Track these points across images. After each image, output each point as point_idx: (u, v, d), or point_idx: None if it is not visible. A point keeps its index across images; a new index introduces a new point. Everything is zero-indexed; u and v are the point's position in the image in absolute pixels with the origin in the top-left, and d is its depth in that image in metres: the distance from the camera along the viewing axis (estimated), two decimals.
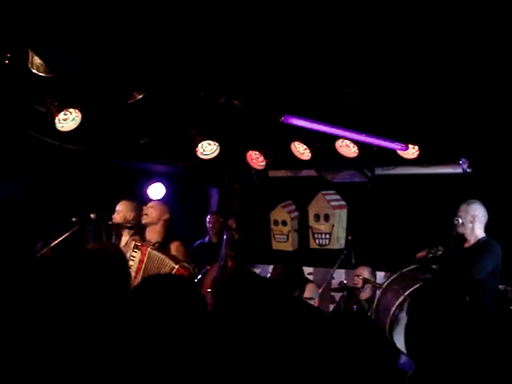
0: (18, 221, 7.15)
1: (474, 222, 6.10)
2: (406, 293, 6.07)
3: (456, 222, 6.13)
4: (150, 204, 6.63)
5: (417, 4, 4.15)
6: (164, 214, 6.53)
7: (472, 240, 6.15)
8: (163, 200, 7.99)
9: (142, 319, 2.49)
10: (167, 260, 6.12)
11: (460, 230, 6.14)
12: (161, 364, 2.43)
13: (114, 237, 6.66)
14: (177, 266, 6.04)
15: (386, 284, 6.48)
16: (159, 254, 6.16)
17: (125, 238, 6.68)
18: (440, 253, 6.20)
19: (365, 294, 7.51)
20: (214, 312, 3.26)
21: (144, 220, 6.47)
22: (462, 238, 6.19)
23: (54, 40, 4.71)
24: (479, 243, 6.10)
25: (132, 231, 6.66)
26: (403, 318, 5.98)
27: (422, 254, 6.41)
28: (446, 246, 6.16)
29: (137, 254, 6.17)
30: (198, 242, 8.48)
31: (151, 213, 6.47)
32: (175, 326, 2.48)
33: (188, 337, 2.49)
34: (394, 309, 6.13)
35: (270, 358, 2.89)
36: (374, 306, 6.56)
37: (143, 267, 6.15)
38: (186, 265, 6.17)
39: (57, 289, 2.77)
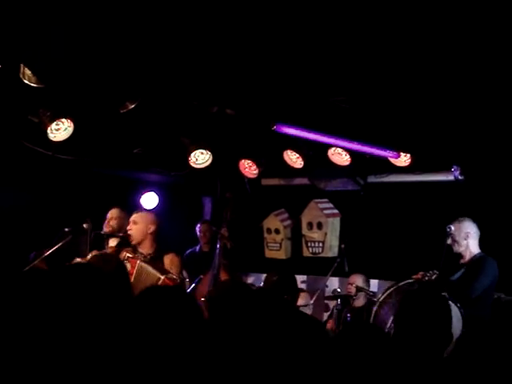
0: (12, 230, 7.13)
1: (468, 238, 6.14)
2: None
3: (448, 229, 6.16)
4: (132, 219, 6.23)
5: (406, 14, 4.17)
6: (148, 226, 6.17)
7: (467, 256, 6.16)
8: (155, 209, 7.99)
9: (139, 330, 2.50)
10: (154, 272, 5.89)
11: (455, 248, 6.17)
12: (157, 371, 2.43)
13: (107, 246, 6.63)
14: (163, 277, 5.82)
15: (382, 297, 6.53)
16: (148, 267, 5.92)
17: (111, 246, 6.61)
18: (435, 276, 6.22)
19: (359, 302, 7.51)
20: (209, 322, 3.26)
21: (131, 242, 6.16)
22: (458, 255, 6.21)
23: (44, 51, 4.71)
24: (474, 260, 6.11)
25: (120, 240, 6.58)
26: None
27: (416, 276, 6.41)
28: (439, 265, 6.18)
29: (127, 266, 5.79)
30: (189, 251, 8.46)
31: (134, 233, 6.14)
32: (171, 335, 2.48)
33: (183, 345, 2.49)
34: (390, 321, 6.19)
35: (265, 365, 2.90)
36: (371, 319, 6.60)
37: (132, 279, 5.83)
38: (173, 276, 5.91)
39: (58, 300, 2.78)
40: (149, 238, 6.18)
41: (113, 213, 6.67)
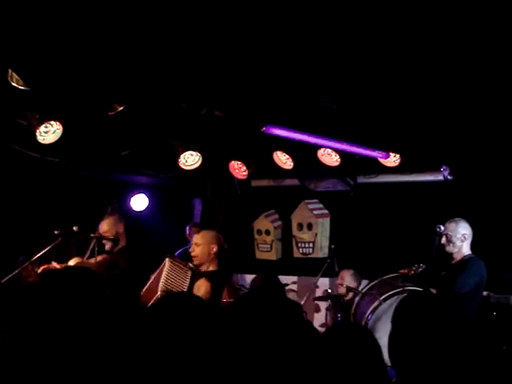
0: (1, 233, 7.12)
1: (465, 240, 6.14)
2: (382, 297, 6.26)
3: (438, 229, 6.17)
4: (194, 240, 6.13)
5: (391, 14, 4.18)
6: (211, 246, 5.99)
7: (458, 257, 6.16)
8: (149, 210, 7.99)
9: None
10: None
11: (449, 249, 6.15)
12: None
13: (96, 250, 6.61)
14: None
15: (365, 289, 6.63)
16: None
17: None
18: (421, 270, 6.29)
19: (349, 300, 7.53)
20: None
21: (194, 262, 6.05)
22: (449, 255, 6.21)
23: (32, 55, 4.70)
24: (464, 260, 6.12)
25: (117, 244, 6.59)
26: (377, 321, 6.28)
27: (404, 271, 6.49)
28: (427, 262, 6.22)
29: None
30: (182, 249, 8.39)
31: (199, 254, 6.00)
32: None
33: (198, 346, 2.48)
34: (368, 312, 6.29)
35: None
36: (353, 310, 6.68)
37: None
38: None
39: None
40: (212, 258, 6.02)
41: (108, 223, 6.58)
